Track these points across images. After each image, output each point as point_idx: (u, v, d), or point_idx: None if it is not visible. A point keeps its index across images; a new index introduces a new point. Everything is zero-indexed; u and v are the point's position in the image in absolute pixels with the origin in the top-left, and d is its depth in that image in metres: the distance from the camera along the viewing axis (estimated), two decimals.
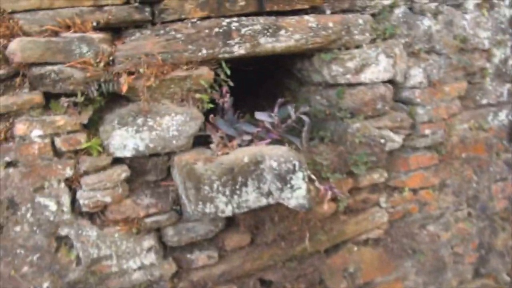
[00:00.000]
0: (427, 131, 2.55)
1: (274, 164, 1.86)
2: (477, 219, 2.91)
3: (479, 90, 2.79)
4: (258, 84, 2.74)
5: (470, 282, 2.99)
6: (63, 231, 1.82)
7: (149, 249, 1.93)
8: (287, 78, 2.64)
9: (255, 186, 1.91)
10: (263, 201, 1.96)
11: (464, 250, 2.88)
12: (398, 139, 2.45)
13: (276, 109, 2.17)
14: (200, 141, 2.05)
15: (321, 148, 2.28)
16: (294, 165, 1.87)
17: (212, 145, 2.04)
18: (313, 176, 2.11)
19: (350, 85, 2.28)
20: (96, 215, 1.86)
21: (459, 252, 2.87)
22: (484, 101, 2.81)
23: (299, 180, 1.90)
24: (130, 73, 1.85)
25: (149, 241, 1.93)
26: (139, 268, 1.92)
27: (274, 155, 1.88)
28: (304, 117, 2.15)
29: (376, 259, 2.57)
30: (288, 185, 1.88)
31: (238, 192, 1.89)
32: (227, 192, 1.87)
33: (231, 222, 2.15)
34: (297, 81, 2.59)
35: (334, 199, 2.31)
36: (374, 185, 2.48)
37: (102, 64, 1.81)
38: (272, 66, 2.56)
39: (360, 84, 2.29)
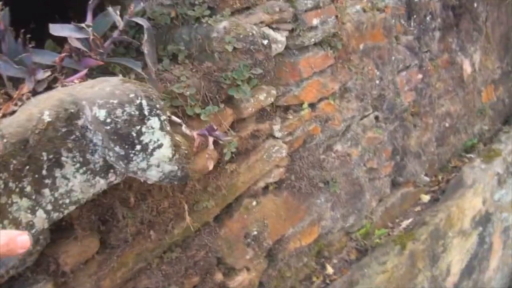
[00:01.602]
0: (315, 21, 1.84)
1: (102, 114, 1.01)
2: (386, 122, 2.36)
3: None
4: None
5: (389, 196, 2.50)
6: None
7: None
8: None
9: (78, 161, 1.07)
10: (100, 184, 1.14)
11: (378, 162, 2.34)
12: (281, 38, 1.72)
13: (89, 17, 1.28)
14: None
15: (177, 71, 1.46)
16: (140, 107, 1.03)
17: None
18: (175, 118, 1.31)
19: None
20: None
21: (373, 166, 2.32)
22: None
23: (155, 132, 1.07)
24: None
25: None
26: None
27: (98, 97, 1.02)
28: (141, 20, 1.30)
29: (282, 207, 1.90)
30: (138, 147, 1.05)
31: (47, 180, 1.05)
32: (27, 188, 1.02)
33: (59, 225, 1.30)
34: None
35: (213, 144, 1.54)
36: (262, 110, 1.75)
37: None
38: None
39: None
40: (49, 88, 1.16)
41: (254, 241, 1.81)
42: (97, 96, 1.01)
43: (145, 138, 1.04)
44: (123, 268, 1.44)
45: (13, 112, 1.10)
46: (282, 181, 1.91)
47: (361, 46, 2.11)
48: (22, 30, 1.19)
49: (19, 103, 1.10)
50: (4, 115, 1.10)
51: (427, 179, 2.67)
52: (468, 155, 2.89)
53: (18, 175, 1.01)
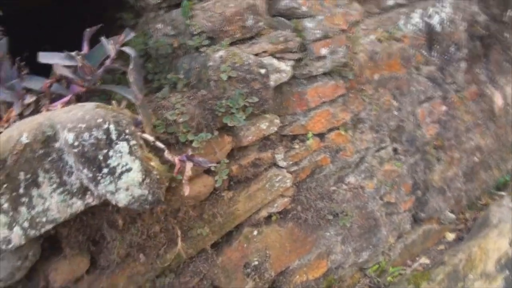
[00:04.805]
0: (323, 51, 1.83)
1: (71, 137, 1.04)
2: (406, 155, 2.28)
3: None
4: (66, 21, 1.85)
5: (410, 233, 2.39)
6: None
7: None
8: (117, 10, 1.80)
9: (55, 182, 1.10)
10: (77, 205, 1.16)
11: (396, 196, 2.26)
12: (285, 67, 1.71)
13: (84, 46, 1.34)
14: None
15: (173, 99, 1.49)
16: (107, 132, 1.06)
17: None
18: (159, 144, 1.32)
19: None
20: None
21: (391, 200, 2.24)
22: (391, 1, 2.13)
23: (124, 156, 1.09)
24: None
25: None
26: None
27: (69, 121, 1.06)
28: (128, 49, 1.33)
29: (287, 238, 1.86)
30: (105, 170, 1.08)
31: (24, 199, 1.08)
32: (5, 205, 1.06)
33: (52, 242, 1.33)
34: (130, 10, 1.76)
35: (207, 171, 1.55)
36: (264, 138, 1.74)
37: None
38: None
39: None
40: (36, 112, 1.21)
41: (254, 271, 1.77)
42: (68, 120, 1.04)
43: (112, 162, 1.05)
44: None
45: None
46: (288, 212, 1.87)
47: (375, 76, 2.07)
48: (18, 58, 1.25)
49: (5, 125, 1.15)
50: None
51: (452, 216, 2.54)
52: (500, 193, 2.73)
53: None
